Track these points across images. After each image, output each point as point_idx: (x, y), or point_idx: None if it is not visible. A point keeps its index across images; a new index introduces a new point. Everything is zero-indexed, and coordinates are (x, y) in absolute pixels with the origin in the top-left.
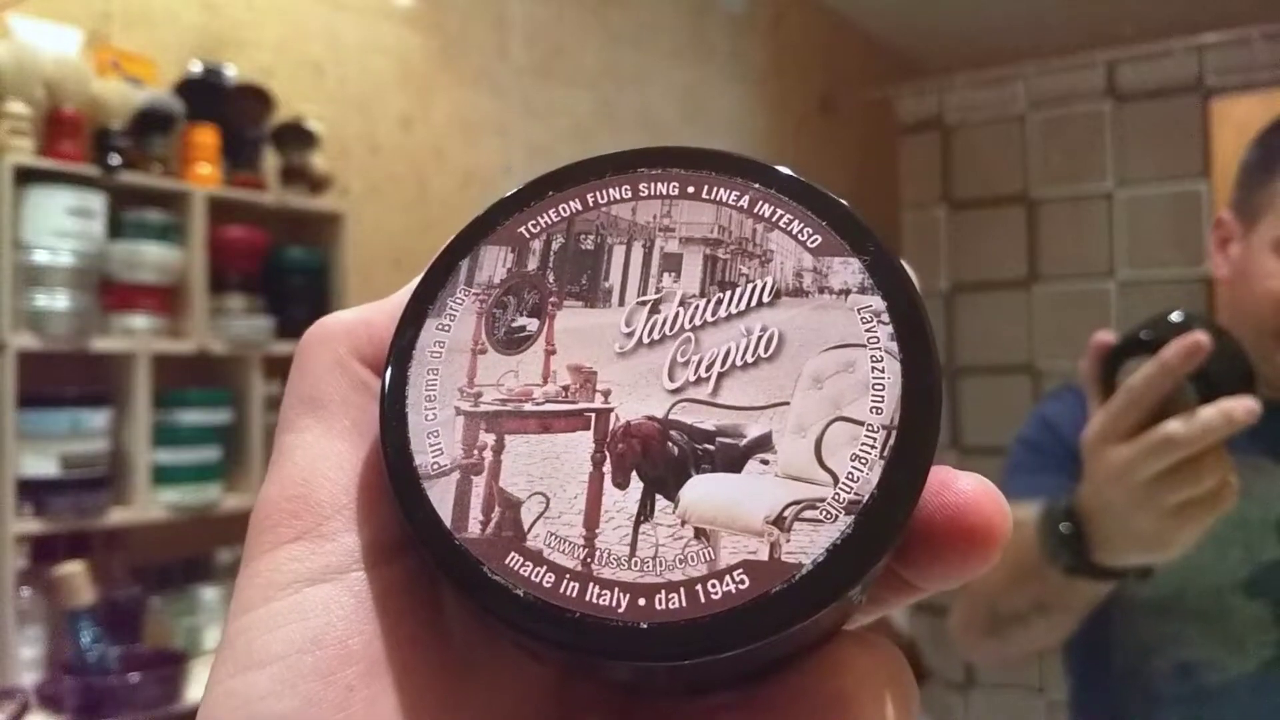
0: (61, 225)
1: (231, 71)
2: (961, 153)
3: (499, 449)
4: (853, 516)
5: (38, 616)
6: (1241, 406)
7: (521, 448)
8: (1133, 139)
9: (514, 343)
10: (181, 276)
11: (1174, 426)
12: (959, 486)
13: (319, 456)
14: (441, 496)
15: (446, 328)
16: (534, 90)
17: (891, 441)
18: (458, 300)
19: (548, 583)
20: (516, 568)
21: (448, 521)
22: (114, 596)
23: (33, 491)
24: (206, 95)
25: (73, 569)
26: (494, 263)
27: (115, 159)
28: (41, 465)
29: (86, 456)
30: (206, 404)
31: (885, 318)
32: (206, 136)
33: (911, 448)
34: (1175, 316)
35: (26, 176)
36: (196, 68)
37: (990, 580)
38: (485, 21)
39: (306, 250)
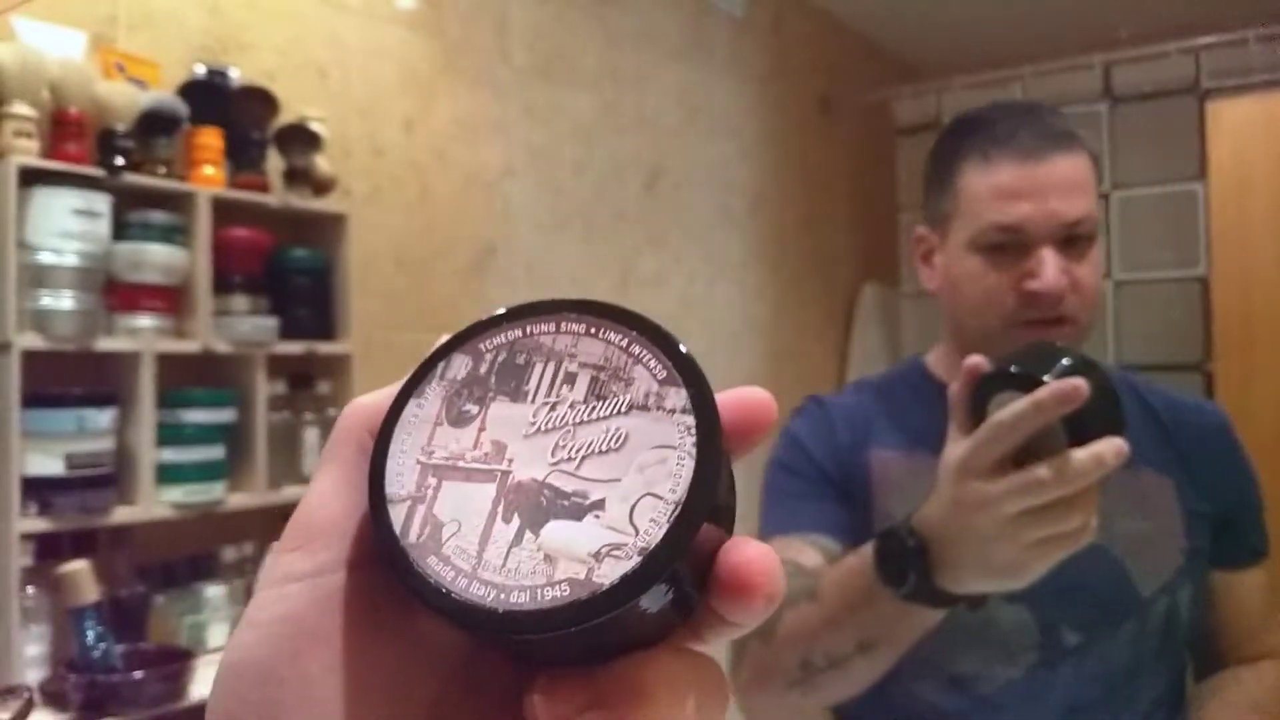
0: (66, 226)
1: (235, 74)
2: None
3: (437, 489)
4: (641, 557)
5: (42, 614)
6: (1112, 450)
7: (451, 490)
8: (1129, 141)
9: (460, 421)
10: (186, 277)
11: (1045, 472)
12: (742, 550)
13: (324, 497)
14: (397, 515)
15: (421, 406)
16: (535, 92)
17: (676, 512)
18: (432, 389)
19: (448, 577)
20: (434, 565)
21: (398, 531)
22: (118, 594)
23: (38, 490)
24: (210, 97)
25: (77, 567)
26: (459, 366)
27: (120, 160)
28: (47, 464)
29: (91, 455)
30: (211, 403)
31: (693, 431)
32: (210, 138)
33: (688, 518)
34: (1056, 354)
35: (32, 178)
36: (200, 70)
37: (803, 628)
38: (486, 24)
39: (310, 251)
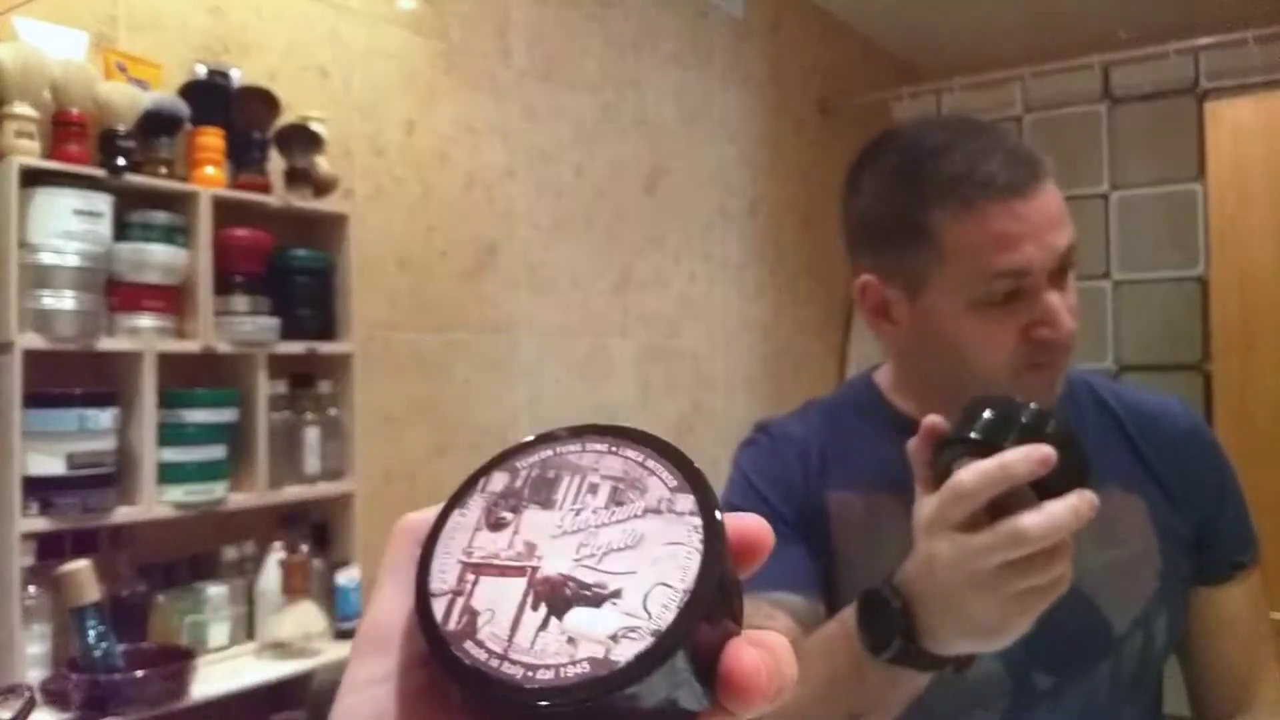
0: (68, 226)
1: (237, 75)
2: None
3: (475, 583)
4: (654, 637)
5: (44, 613)
6: (1086, 503)
7: (487, 584)
8: (1128, 141)
9: (497, 526)
10: (187, 277)
11: (1028, 522)
12: (739, 655)
13: (389, 604)
14: (438, 607)
15: (464, 515)
16: (535, 94)
17: (685, 598)
18: (474, 500)
19: (482, 658)
20: (470, 649)
21: (439, 619)
22: (120, 594)
23: (39, 489)
24: (212, 98)
25: (79, 566)
26: (498, 481)
27: (121, 161)
28: (48, 464)
29: (93, 455)
30: (212, 403)
31: (699, 530)
32: (212, 139)
33: (695, 602)
34: (1014, 412)
35: (33, 178)
36: (202, 71)
37: (790, 705)
38: (487, 26)
39: (311, 251)
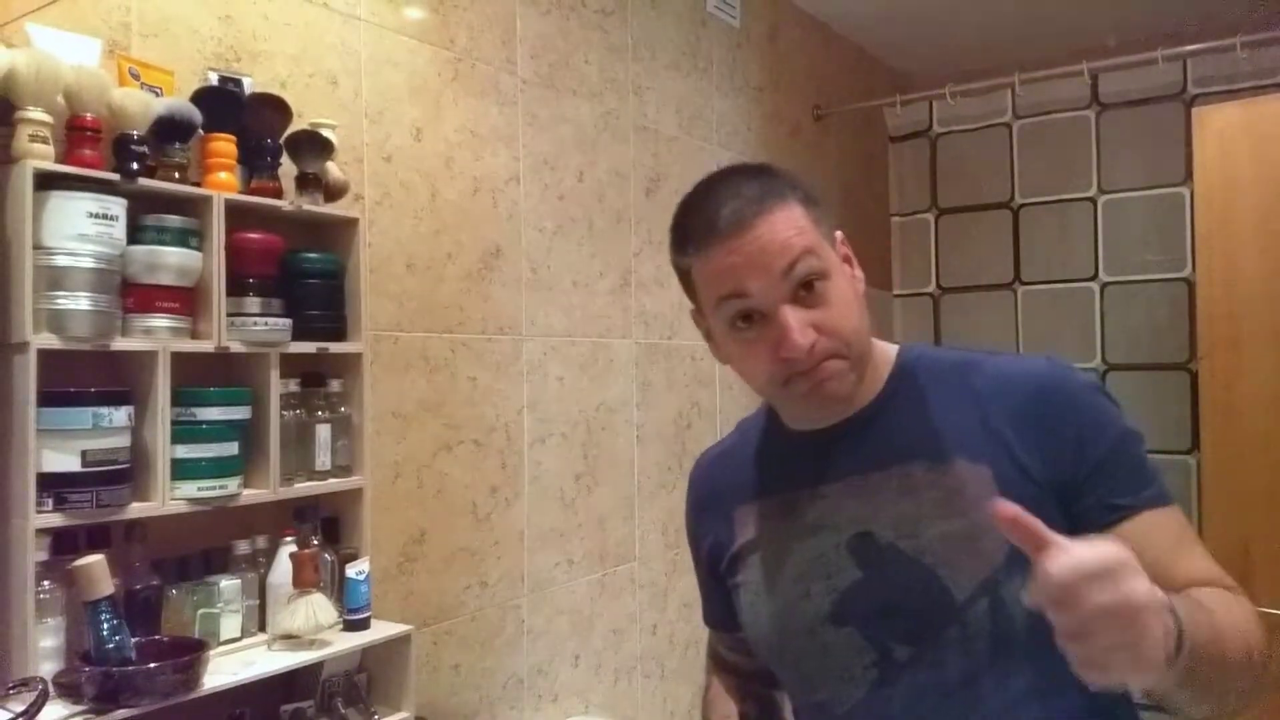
0: (82, 229)
1: (249, 83)
2: (949, 160)
3: None
4: None
5: (58, 607)
6: None
7: None
8: (1116, 146)
9: None
10: (201, 279)
11: None
12: None
13: None
14: None
15: None
16: (539, 101)
17: None
18: None
19: None
20: None
21: None
22: (133, 587)
23: (54, 486)
24: (224, 105)
25: (92, 561)
26: None
27: (135, 166)
28: (63, 460)
29: (107, 452)
30: (225, 402)
31: None
32: (225, 144)
33: None
34: None
35: (47, 181)
36: (214, 78)
37: None
38: (493, 36)
39: (322, 254)
